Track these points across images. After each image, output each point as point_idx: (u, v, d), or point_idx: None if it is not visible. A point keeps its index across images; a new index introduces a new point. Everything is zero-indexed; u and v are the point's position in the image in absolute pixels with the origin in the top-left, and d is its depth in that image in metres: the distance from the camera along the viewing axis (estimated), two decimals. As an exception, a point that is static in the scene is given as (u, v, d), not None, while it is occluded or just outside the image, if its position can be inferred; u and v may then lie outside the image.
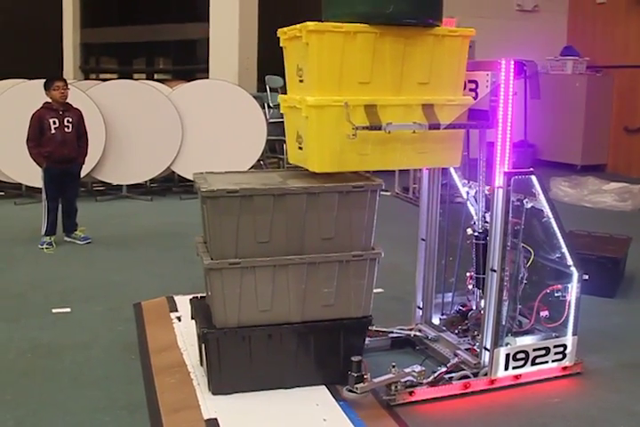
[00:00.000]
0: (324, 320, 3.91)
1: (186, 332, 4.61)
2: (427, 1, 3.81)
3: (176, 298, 5.31)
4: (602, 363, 4.43)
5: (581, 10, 14.04)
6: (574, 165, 13.02)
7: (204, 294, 4.17)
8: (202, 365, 4.11)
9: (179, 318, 4.90)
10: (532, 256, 4.14)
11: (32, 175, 7.76)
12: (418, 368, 3.90)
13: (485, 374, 4.01)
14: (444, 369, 4.00)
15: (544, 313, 4.18)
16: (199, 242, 4.04)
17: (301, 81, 3.85)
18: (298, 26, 3.73)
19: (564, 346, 4.18)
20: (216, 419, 3.57)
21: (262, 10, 11.72)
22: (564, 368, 4.20)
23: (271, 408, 3.72)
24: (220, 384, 3.85)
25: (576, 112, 13.14)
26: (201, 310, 4.04)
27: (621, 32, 13.03)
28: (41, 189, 7.21)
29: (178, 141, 9.71)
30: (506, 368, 4.04)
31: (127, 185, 9.90)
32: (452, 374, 3.99)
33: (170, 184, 10.41)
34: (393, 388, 3.80)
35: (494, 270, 3.95)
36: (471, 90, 4.08)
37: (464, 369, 4.06)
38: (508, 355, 4.03)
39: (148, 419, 3.61)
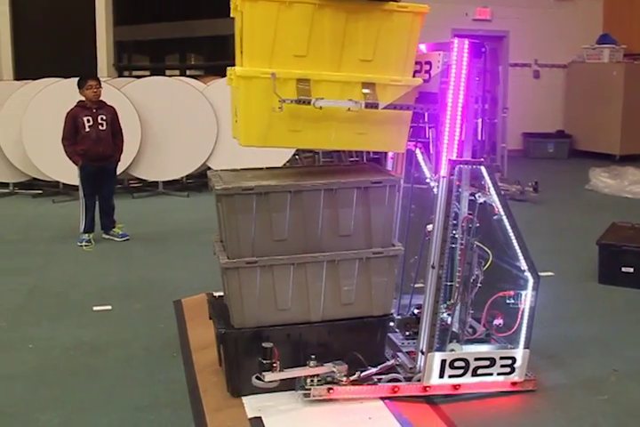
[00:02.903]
0: (344, 319, 3.83)
1: (227, 329, 4.59)
2: None
3: (216, 295, 5.28)
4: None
5: (617, -3, 13.83)
6: (613, 155, 12.83)
7: (222, 293, 4.12)
8: (220, 365, 4.05)
9: (219, 315, 4.88)
10: (490, 258, 3.88)
11: (69, 173, 7.80)
12: (340, 364, 3.70)
13: (419, 380, 3.77)
14: (373, 370, 3.78)
15: (498, 321, 3.90)
16: (215, 241, 3.99)
17: (241, 52, 3.66)
18: None
19: (513, 359, 3.83)
20: (260, 418, 3.55)
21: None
22: (514, 384, 3.85)
23: (315, 407, 3.67)
24: (239, 385, 3.76)
25: (614, 101, 12.95)
26: (219, 310, 3.99)
27: (659, 18, 12.83)
28: (78, 186, 7.24)
29: (213, 137, 9.71)
30: (441, 376, 3.75)
31: (163, 181, 9.94)
32: (382, 376, 3.78)
33: (206, 180, 10.35)
34: (309, 381, 3.65)
35: (433, 267, 3.73)
36: (426, 72, 3.86)
37: (398, 372, 3.85)
38: (443, 361, 3.73)
39: (191, 417, 3.61)
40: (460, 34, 12.59)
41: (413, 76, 3.81)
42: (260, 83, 3.52)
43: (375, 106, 3.61)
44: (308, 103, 3.52)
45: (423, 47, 4.01)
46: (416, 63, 3.83)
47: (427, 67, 3.87)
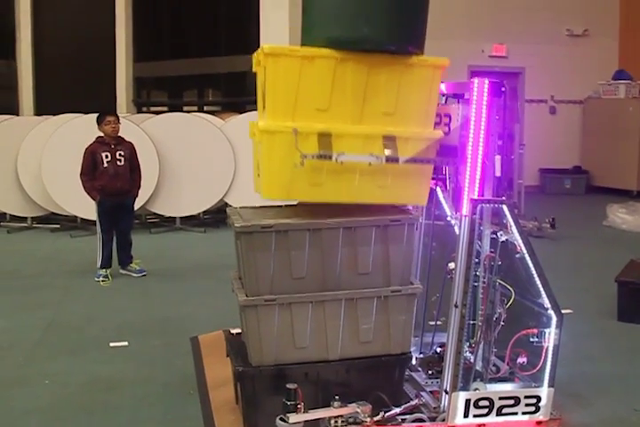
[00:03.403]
0: (363, 357, 3.79)
1: (243, 366, 4.57)
2: (410, 27, 3.59)
3: (233, 332, 5.26)
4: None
5: (633, 33, 13.91)
6: (630, 190, 12.81)
7: (239, 330, 4.12)
8: (237, 403, 4.02)
9: (236, 352, 4.86)
10: (513, 296, 3.83)
11: (87, 208, 7.85)
12: (364, 405, 3.63)
13: (443, 420, 3.68)
14: (397, 410, 3.72)
15: (522, 359, 3.83)
16: (234, 278, 3.99)
17: (264, 107, 3.69)
18: (258, 50, 3.61)
19: (538, 398, 3.75)
20: (277, 457, 3.51)
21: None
22: (539, 423, 3.75)
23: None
24: (256, 424, 3.72)
25: (630, 137, 12.98)
26: (236, 347, 3.97)
27: (675, 55, 12.89)
28: (96, 221, 7.27)
29: (231, 173, 9.77)
30: (465, 415, 3.66)
31: (180, 217, 9.98)
32: (406, 416, 3.72)
33: (223, 216, 10.41)
34: (333, 422, 3.58)
35: (456, 306, 3.69)
36: (446, 124, 3.90)
37: (422, 412, 3.77)
38: (468, 400, 3.66)
39: (208, 456, 3.58)
40: (476, 70, 12.70)
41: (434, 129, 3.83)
42: (282, 137, 3.53)
43: (396, 160, 3.61)
44: (330, 158, 3.53)
45: (443, 87, 4.03)
46: (436, 115, 3.85)
47: (446, 119, 3.92)
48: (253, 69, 3.85)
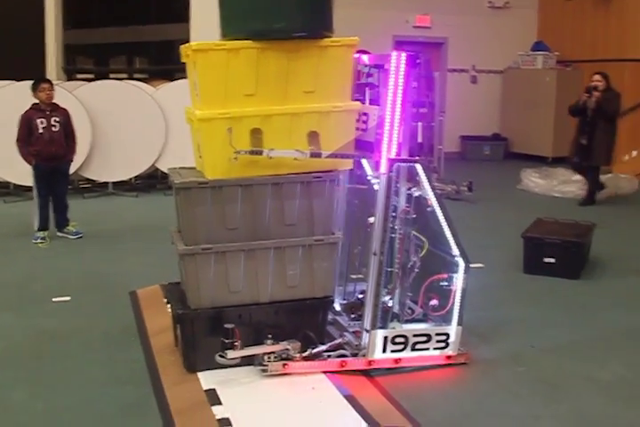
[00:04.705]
0: (290, 300, 4.24)
1: (181, 315, 4.92)
2: (318, 14, 4.06)
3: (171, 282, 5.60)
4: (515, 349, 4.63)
5: (551, 6, 14.46)
6: (545, 157, 13.42)
7: (176, 281, 4.51)
8: (176, 346, 4.42)
9: (173, 304, 5.21)
10: (426, 246, 4.33)
11: (20, 174, 8.02)
12: (294, 342, 4.12)
13: (364, 355, 4.19)
14: (323, 347, 4.20)
15: (434, 302, 4.36)
16: (174, 231, 4.36)
17: (197, 95, 4.11)
18: (186, 45, 4.04)
19: (447, 335, 4.29)
20: (214, 389, 3.93)
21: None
22: (448, 357, 4.30)
23: (263, 380, 4.05)
24: (195, 362, 4.14)
25: (547, 106, 13.54)
26: (175, 294, 4.37)
27: (590, 27, 13.45)
28: (29, 187, 7.47)
29: (162, 139, 10.01)
30: (384, 351, 4.19)
31: (113, 182, 10.19)
32: (331, 353, 4.21)
33: (154, 181, 10.68)
34: (266, 358, 4.07)
35: (375, 254, 4.16)
36: (364, 122, 4.36)
37: (345, 349, 4.26)
38: (386, 338, 4.18)
39: (151, 391, 3.95)
40: (400, 40, 13.09)
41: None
42: (218, 123, 3.96)
43: (319, 155, 4.07)
44: (261, 154, 3.97)
45: (366, 58, 4.45)
46: (355, 114, 4.28)
47: (364, 117, 4.36)
48: (182, 60, 4.23)
